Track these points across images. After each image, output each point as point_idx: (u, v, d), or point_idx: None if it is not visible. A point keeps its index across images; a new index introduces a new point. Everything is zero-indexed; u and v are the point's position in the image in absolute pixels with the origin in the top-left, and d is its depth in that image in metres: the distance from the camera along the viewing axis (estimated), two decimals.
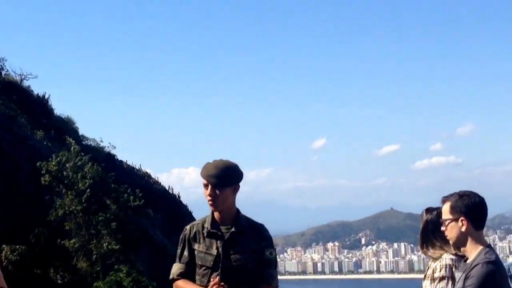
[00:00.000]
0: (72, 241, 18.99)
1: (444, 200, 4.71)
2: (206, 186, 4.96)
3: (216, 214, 5.06)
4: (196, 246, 5.04)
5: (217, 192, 4.91)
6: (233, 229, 4.99)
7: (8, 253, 18.84)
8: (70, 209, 19.42)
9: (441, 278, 5.57)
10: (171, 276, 5.14)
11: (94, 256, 18.97)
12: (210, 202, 4.98)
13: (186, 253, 5.08)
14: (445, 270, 5.57)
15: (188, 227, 5.17)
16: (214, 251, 4.97)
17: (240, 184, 5.10)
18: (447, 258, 5.77)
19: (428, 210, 5.99)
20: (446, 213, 4.66)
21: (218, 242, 4.98)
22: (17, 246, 19.11)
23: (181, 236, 5.15)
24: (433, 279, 5.77)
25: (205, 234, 5.04)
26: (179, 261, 5.12)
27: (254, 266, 4.99)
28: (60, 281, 19.14)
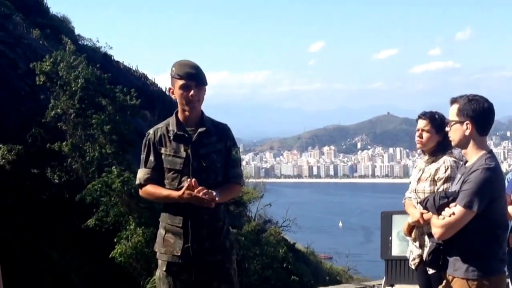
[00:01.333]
0: (65, 143, 18.96)
1: (453, 101, 4.64)
2: (186, 86, 4.83)
3: (181, 116, 4.99)
4: (163, 150, 4.94)
5: (199, 91, 4.85)
6: (200, 130, 4.92)
7: (5, 152, 18.88)
8: (65, 110, 19.32)
9: (447, 179, 5.57)
10: (137, 182, 5.09)
11: (87, 157, 18.98)
12: (192, 104, 4.88)
13: (152, 157, 4.99)
14: (451, 171, 5.59)
15: (151, 131, 5.07)
16: (183, 154, 4.89)
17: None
18: (449, 159, 5.78)
19: (424, 114, 5.97)
20: (453, 115, 4.60)
21: (185, 144, 4.90)
22: (14, 146, 19.13)
23: (144, 141, 5.06)
24: (434, 180, 5.78)
25: (171, 137, 4.95)
26: (145, 166, 5.02)
27: (222, 166, 4.97)
28: (57, 181, 19.25)
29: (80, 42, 33.87)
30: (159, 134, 5.00)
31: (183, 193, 4.69)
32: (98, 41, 36.45)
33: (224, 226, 5.03)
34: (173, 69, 4.91)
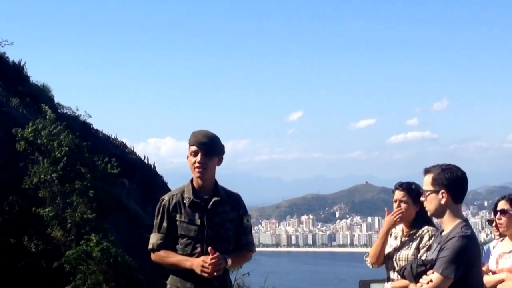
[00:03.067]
0: (46, 210, 18.85)
1: (426, 171, 4.72)
2: (195, 153, 4.99)
3: (196, 184, 5.09)
4: (177, 217, 5.05)
5: (207, 160, 4.96)
6: (215, 199, 5.03)
7: None
8: (46, 177, 19.23)
9: (430, 247, 5.62)
10: (150, 246, 5.16)
11: (69, 225, 18.85)
12: (199, 170, 5.00)
13: (165, 223, 5.08)
14: (434, 238, 5.66)
15: (166, 197, 5.16)
16: (198, 221, 4.99)
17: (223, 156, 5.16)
18: (431, 228, 5.83)
19: (400, 185, 6.03)
20: (427, 185, 4.68)
21: (200, 212, 5.01)
22: None
23: (158, 206, 5.17)
24: (417, 249, 5.82)
25: (186, 204, 5.05)
26: (158, 232, 5.12)
27: (234, 235, 5.09)
28: (34, 250, 19.05)
29: (59, 110, 33.89)
30: (174, 201, 5.11)
31: (197, 267, 4.83)
32: (77, 109, 36.51)
33: None
34: (190, 136, 5.09)
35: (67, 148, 19.47)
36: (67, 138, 19.92)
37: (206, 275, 4.79)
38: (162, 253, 5.09)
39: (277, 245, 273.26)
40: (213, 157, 5.00)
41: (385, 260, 6.07)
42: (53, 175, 19.26)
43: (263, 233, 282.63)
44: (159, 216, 5.13)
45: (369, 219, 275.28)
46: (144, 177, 34.17)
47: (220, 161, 5.11)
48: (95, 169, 20.28)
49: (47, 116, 21.46)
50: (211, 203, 5.03)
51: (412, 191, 5.92)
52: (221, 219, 5.04)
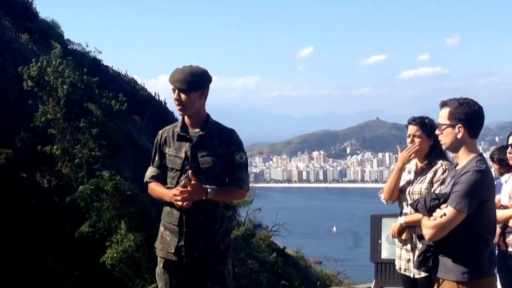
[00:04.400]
0: (55, 147, 18.90)
1: (443, 104, 4.66)
2: (173, 91, 5.02)
3: (186, 119, 5.16)
4: (167, 150, 5.17)
5: (183, 96, 4.97)
6: (201, 132, 5.08)
7: None
8: (51, 116, 19.23)
9: (444, 180, 5.57)
10: (144, 179, 5.30)
11: (77, 160, 18.92)
12: (178, 107, 5.06)
13: (157, 157, 5.23)
14: (448, 172, 5.64)
15: (160, 132, 5.31)
16: (183, 154, 5.08)
17: (210, 89, 5.17)
18: (445, 162, 5.80)
19: (414, 120, 5.98)
20: (443, 118, 4.62)
21: (187, 145, 5.08)
22: (3, 150, 19.06)
23: (154, 141, 5.32)
24: (431, 182, 5.80)
25: (175, 138, 5.15)
26: (152, 165, 5.27)
27: (222, 170, 5.09)
28: (46, 185, 19.17)
29: (69, 47, 33.79)
30: (165, 135, 5.25)
31: (171, 197, 4.88)
32: (87, 45, 36.44)
33: (220, 229, 5.13)
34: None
35: (69, 86, 19.38)
36: (72, 74, 19.82)
37: (179, 203, 4.82)
38: (152, 185, 5.20)
39: (288, 180, 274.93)
40: (189, 93, 4.97)
41: (399, 194, 6.05)
42: (58, 114, 19.26)
43: (274, 169, 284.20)
44: (153, 150, 5.28)
45: (380, 155, 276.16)
46: (155, 113, 34.21)
47: (203, 95, 5.07)
48: (103, 105, 20.23)
49: (52, 52, 21.34)
50: (197, 137, 5.07)
51: (426, 125, 5.88)
52: (207, 153, 5.04)
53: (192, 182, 4.83)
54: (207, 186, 4.88)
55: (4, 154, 18.97)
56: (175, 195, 4.84)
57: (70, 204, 17.78)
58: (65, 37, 37.69)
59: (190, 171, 4.89)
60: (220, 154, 5.07)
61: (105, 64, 37.27)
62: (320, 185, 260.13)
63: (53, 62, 19.90)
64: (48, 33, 32.97)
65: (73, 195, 17.67)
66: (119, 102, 20.75)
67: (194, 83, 4.98)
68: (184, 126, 5.16)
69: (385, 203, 6.19)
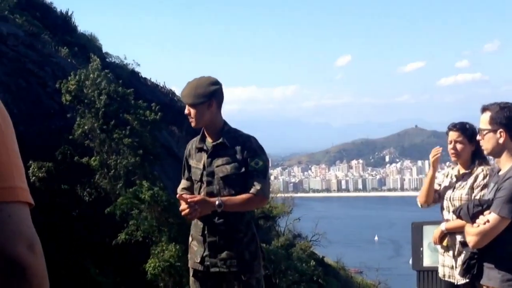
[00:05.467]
0: (93, 158, 19.09)
1: (484, 109, 4.60)
2: (185, 106, 5.12)
3: (205, 130, 5.21)
4: (191, 162, 5.28)
5: (192, 110, 5.04)
6: (214, 142, 5.12)
7: (36, 169, 19.00)
8: (90, 127, 19.43)
9: (485, 186, 5.50)
10: (177, 193, 5.36)
11: (112, 171, 19.08)
12: (190, 120, 5.12)
13: (186, 170, 5.36)
14: (489, 178, 5.58)
15: (187, 145, 5.44)
16: (201, 165, 5.14)
17: (225, 99, 5.19)
18: (487, 167, 5.75)
19: (454, 126, 5.93)
20: (485, 123, 4.56)
21: (205, 155, 5.14)
22: (44, 163, 19.26)
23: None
24: (472, 188, 5.75)
25: (196, 150, 5.25)
26: (183, 178, 5.40)
27: (239, 178, 5.06)
28: (87, 198, 19.35)
29: (107, 60, 34.05)
30: (189, 147, 5.36)
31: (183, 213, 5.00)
32: (125, 58, 36.68)
33: (244, 238, 5.11)
34: None
35: (106, 97, 19.56)
36: (109, 86, 20.00)
37: (189, 217, 4.97)
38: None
39: (327, 190, 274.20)
40: (197, 106, 5.00)
41: (440, 200, 6.02)
42: (95, 125, 19.44)
43: (313, 178, 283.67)
44: (183, 163, 5.41)
45: (419, 162, 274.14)
46: None
47: (211, 106, 5.04)
48: (138, 116, 20.38)
49: (90, 65, 21.56)
50: (210, 146, 5.12)
51: (467, 130, 5.83)
52: (222, 162, 5.06)
53: (196, 198, 4.90)
54: (215, 199, 4.90)
55: (45, 167, 19.17)
56: (182, 210, 4.96)
57: (109, 215, 17.91)
58: (104, 50, 38.07)
59: (179, 195, 5.04)
60: (236, 161, 5.05)
61: (143, 76, 37.51)
62: (359, 194, 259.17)
63: (91, 75, 20.11)
64: (87, 46, 33.29)
65: (112, 207, 17.80)
66: (153, 112, 20.88)
67: (200, 96, 5.00)
68: (203, 137, 5.24)
69: (420, 206, 6.18)
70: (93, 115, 19.60)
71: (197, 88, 5.02)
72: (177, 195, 5.18)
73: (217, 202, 4.87)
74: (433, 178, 6.02)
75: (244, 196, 5.02)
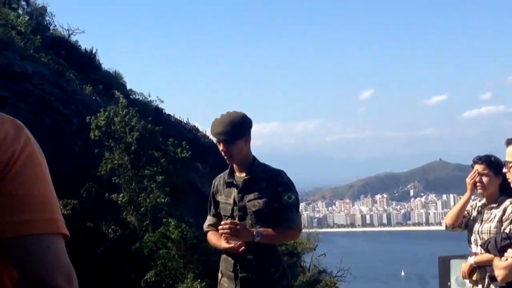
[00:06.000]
0: (121, 195, 19.15)
1: (509, 142, 4.59)
2: (218, 143, 5.08)
3: (234, 165, 5.20)
4: (219, 198, 5.25)
5: (229, 147, 5.01)
6: (246, 177, 5.11)
7: (61, 207, 19.02)
8: (119, 162, 19.53)
9: None
10: (204, 229, 5.42)
11: (143, 209, 19.12)
12: (225, 157, 5.09)
13: (212, 206, 5.33)
14: None
15: (214, 181, 5.39)
16: (231, 200, 5.13)
17: (252, 132, 5.19)
18: None
19: (479, 159, 5.90)
20: (510, 156, 4.54)
21: (235, 190, 5.12)
22: (70, 200, 19.35)
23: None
24: (500, 221, 5.70)
25: (224, 185, 5.22)
26: (209, 214, 5.37)
27: (271, 212, 5.05)
28: (112, 235, 19.38)
29: (131, 96, 34.32)
30: (216, 183, 5.33)
31: (222, 243, 4.95)
32: (149, 95, 36.95)
33: (276, 273, 5.08)
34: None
35: (138, 133, 19.72)
36: (138, 123, 20.16)
37: (229, 245, 4.87)
38: (210, 234, 5.27)
39: (352, 225, 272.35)
40: (235, 142, 5.00)
41: (467, 233, 5.98)
42: (125, 160, 19.54)
43: (337, 213, 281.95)
44: (209, 199, 5.39)
45: (444, 196, 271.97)
46: (217, 160, 34.30)
47: (247, 140, 5.11)
48: (167, 153, 20.50)
49: (120, 103, 21.73)
50: (242, 181, 5.10)
51: (492, 163, 5.79)
52: (253, 196, 5.05)
53: (237, 223, 4.90)
54: (253, 229, 4.90)
55: (70, 204, 19.25)
56: (223, 225, 4.89)
57: (134, 252, 17.91)
58: (128, 86, 38.37)
59: (228, 220, 4.97)
60: (268, 196, 5.05)
61: (167, 112, 37.71)
62: (384, 229, 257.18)
63: (120, 112, 20.28)
64: (111, 84, 33.59)
65: (139, 244, 17.81)
66: (185, 150, 21.01)
67: (237, 132, 5.01)
68: (231, 172, 5.22)
69: (445, 228, 6.13)
70: (122, 150, 19.73)
71: (232, 124, 5.00)
72: (206, 231, 5.24)
73: (255, 232, 4.86)
74: (467, 201, 5.98)
75: (282, 229, 5.04)
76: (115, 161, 19.62)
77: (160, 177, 19.34)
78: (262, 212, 5.03)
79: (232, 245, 4.83)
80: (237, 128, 5.01)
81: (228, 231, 4.83)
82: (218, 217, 5.25)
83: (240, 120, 5.06)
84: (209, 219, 5.33)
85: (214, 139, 5.23)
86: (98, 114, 20.36)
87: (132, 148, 19.58)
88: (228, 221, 4.94)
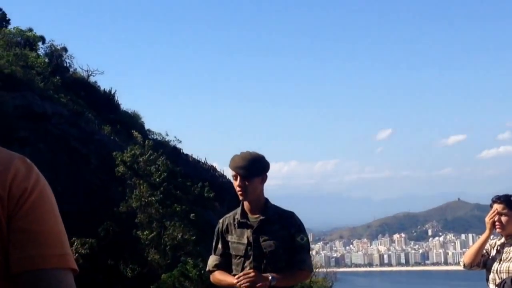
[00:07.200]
0: (145, 232, 19.28)
1: None
2: (235, 177, 5.14)
3: (246, 205, 5.25)
4: (229, 238, 5.25)
5: (246, 183, 5.07)
6: (261, 218, 5.14)
7: (79, 246, 19.12)
8: (147, 200, 19.71)
9: None
10: (207, 268, 5.45)
11: (166, 247, 19.22)
12: (239, 193, 5.14)
13: (220, 245, 5.31)
14: None
15: (221, 220, 5.42)
16: (245, 240, 5.15)
17: (268, 175, 5.27)
18: None
19: (498, 198, 5.92)
20: None
21: (248, 231, 5.16)
22: (87, 239, 19.39)
23: (215, 230, 5.41)
24: None
25: (236, 225, 5.23)
26: (214, 253, 5.36)
27: (285, 253, 5.11)
28: (130, 274, 19.38)
29: (150, 136, 34.50)
30: (226, 222, 5.34)
31: (236, 281, 4.93)
32: (167, 135, 37.15)
33: None
34: (230, 160, 5.21)
35: (166, 174, 19.97)
36: (163, 164, 20.40)
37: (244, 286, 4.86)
38: (217, 274, 5.28)
39: (370, 264, 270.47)
40: (253, 178, 5.07)
41: (486, 272, 5.98)
42: (152, 199, 19.71)
43: (355, 253, 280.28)
44: (215, 238, 5.37)
45: (463, 236, 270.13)
46: (235, 200, 34.32)
47: (263, 180, 5.18)
48: (189, 193, 20.68)
49: (146, 143, 21.95)
50: (257, 222, 5.14)
51: (511, 203, 5.81)
52: (269, 237, 5.11)
53: (252, 271, 4.91)
54: (268, 274, 4.94)
55: (88, 244, 19.28)
56: (239, 277, 4.90)
57: None
58: (146, 127, 38.58)
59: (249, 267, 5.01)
60: (281, 237, 5.12)
61: (184, 152, 37.85)
62: (402, 269, 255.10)
63: (145, 153, 20.55)
64: (130, 124, 33.79)
65: (158, 283, 17.82)
66: (208, 189, 21.22)
67: (256, 168, 5.11)
68: (243, 212, 5.24)
69: (463, 267, 6.13)
70: (149, 189, 19.94)
71: (252, 161, 5.09)
72: (213, 272, 5.27)
73: (270, 277, 4.90)
74: (486, 240, 5.99)
75: (295, 271, 5.13)
76: (143, 199, 19.80)
77: (192, 214, 19.58)
78: (276, 252, 5.10)
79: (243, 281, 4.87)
80: (257, 165, 5.12)
81: (247, 281, 4.86)
82: (225, 256, 5.27)
83: (260, 158, 5.17)
84: (215, 258, 5.33)
85: (231, 174, 5.19)
86: (125, 151, 20.65)
87: (161, 187, 19.81)
88: (242, 273, 4.96)
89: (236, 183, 5.13)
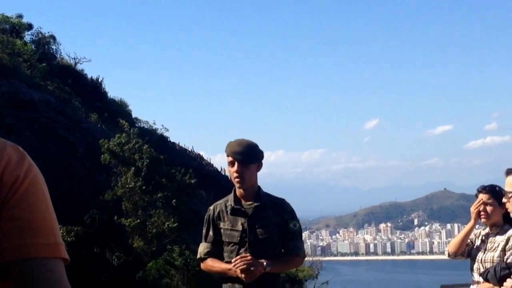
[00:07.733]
0: (129, 220, 19.23)
1: (509, 172, 4.66)
2: (232, 163, 5.12)
3: (238, 192, 5.23)
4: (221, 225, 5.21)
5: (244, 168, 5.06)
6: (256, 204, 5.14)
7: (65, 234, 19.10)
8: (131, 186, 19.67)
9: None
10: (198, 256, 5.40)
11: (150, 235, 19.17)
12: (236, 179, 5.13)
13: (211, 232, 5.26)
14: None
15: (211, 207, 5.36)
16: (240, 227, 5.13)
17: (263, 162, 5.28)
18: None
19: (484, 188, 5.97)
20: (510, 186, 4.59)
21: (242, 218, 5.14)
22: (73, 227, 19.36)
23: (205, 217, 5.35)
24: (503, 250, 5.76)
25: (229, 212, 5.20)
26: (205, 241, 5.30)
27: (279, 239, 5.15)
28: (116, 262, 19.37)
29: (137, 125, 34.45)
30: (218, 209, 5.28)
31: (231, 269, 4.92)
32: (154, 123, 37.13)
33: None
34: (226, 147, 5.20)
35: (148, 160, 19.90)
36: (147, 151, 20.34)
37: (241, 274, 4.85)
38: (209, 261, 5.24)
39: (355, 253, 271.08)
40: (249, 165, 5.09)
41: (470, 262, 6.03)
42: (136, 185, 19.68)
43: (341, 242, 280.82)
44: (206, 225, 5.31)
45: (448, 226, 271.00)
46: (221, 189, 34.36)
47: (259, 167, 5.21)
48: (174, 180, 20.62)
49: (131, 131, 21.89)
50: (252, 208, 5.14)
51: (497, 193, 5.85)
52: (263, 224, 5.12)
53: (249, 257, 4.90)
54: (263, 260, 4.93)
55: (74, 231, 19.27)
56: (235, 260, 4.89)
57: (139, 279, 17.89)
58: (133, 115, 38.53)
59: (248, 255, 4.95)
60: (276, 223, 5.14)
61: (171, 141, 37.83)
62: (387, 258, 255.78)
63: (131, 140, 20.49)
64: (117, 112, 33.73)
65: (143, 271, 17.80)
66: (190, 176, 21.17)
67: (253, 155, 5.12)
68: (236, 199, 5.22)
69: (447, 255, 6.19)
70: (133, 175, 19.90)
71: (250, 147, 5.12)
72: (206, 260, 5.22)
73: (265, 263, 4.91)
74: (471, 229, 6.04)
75: (290, 257, 5.18)
76: (127, 185, 19.75)
77: (174, 200, 19.52)
78: (271, 239, 5.12)
79: (242, 266, 4.85)
80: (254, 151, 5.14)
81: (244, 264, 4.85)
82: (217, 244, 5.23)
83: (255, 146, 5.19)
84: (206, 246, 5.28)
85: (228, 160, 5.15)
86: (112, 139, 20.59)
87: (143, 173, 19.74)
88: (238, 256, 4.94)
89: (233, 169, 5.11)
